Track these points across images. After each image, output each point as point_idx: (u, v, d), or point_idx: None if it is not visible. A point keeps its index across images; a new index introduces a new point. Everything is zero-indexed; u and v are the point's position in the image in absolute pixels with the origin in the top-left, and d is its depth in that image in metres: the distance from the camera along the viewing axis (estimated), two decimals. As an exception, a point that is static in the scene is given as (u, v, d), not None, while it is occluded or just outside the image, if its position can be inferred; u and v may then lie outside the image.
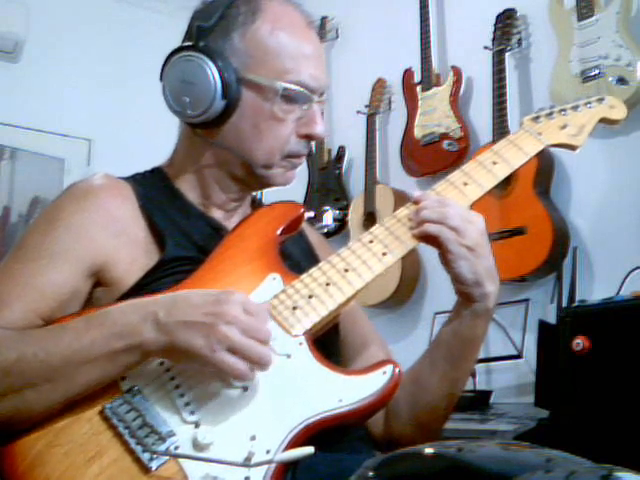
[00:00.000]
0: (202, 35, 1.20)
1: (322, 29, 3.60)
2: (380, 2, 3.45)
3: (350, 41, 3.60)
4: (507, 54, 2.73)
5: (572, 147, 1.31)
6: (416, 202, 1.17)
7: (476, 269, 1.12)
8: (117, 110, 3.66)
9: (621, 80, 2.39)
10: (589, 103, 1.34)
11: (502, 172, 1.22)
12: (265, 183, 1.26)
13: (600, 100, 1.35)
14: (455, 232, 1.12)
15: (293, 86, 1.19)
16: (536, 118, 1.31)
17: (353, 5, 3.60)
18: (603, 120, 1.34)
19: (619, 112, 1.35)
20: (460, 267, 1.12)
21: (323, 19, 3.61)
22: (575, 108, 1.33)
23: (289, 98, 1.19)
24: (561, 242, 2.53)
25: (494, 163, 1.23)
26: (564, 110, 1.32)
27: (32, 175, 3.67)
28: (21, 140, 3.62)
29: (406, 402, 1.22)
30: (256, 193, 1.38)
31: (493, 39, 2.76)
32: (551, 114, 1.31)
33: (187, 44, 1.22)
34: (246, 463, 0.96)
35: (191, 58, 1.19)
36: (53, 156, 3.71)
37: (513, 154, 1.24)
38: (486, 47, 2.76)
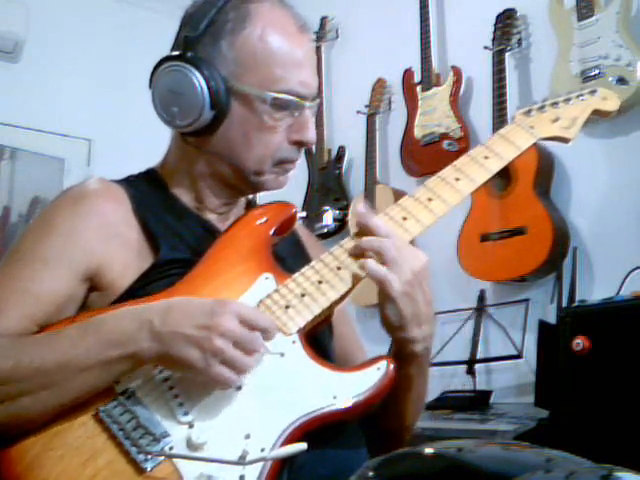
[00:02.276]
0: (190, 44, 1.19)
1: (322, 29, 3.60)
2: (380, 2, 3.45)
3: (350, 41, 3.60)
4: (507, 54, 2.73)
5: (564, 140, 1.29)
6: (358, 224, 1.14)
7: (401, 313, 1.08)
8: (117, 110, 3.67)
9: (621, 80, 2.39)
10: (581, 95, 1.32)
11: (494, 166, 1.21)
12: (257, 188, 1.26)
13: (592, 92, 1.33)
14: (391, 269, 1.08)
15: (283, 95, 1.17)
16: (528, 112, 1.30)
17: (353, 5, 3.60)
18: (596, 112, 1.32)
19: (611, 104, 1.33)
20: (386, 308, 1.09)
21: (323, 19, 3.61)
22: (567, 101, 1.32)
23: (279, 106, 1.18)
24: (561, 242, 2.53)
25: (486, 157, 1.22)
26: (556, 103, 1.31)
27: (32, 175, 3.67)
28: (21, 140, 3.62)
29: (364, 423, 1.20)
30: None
31: (493, 39, 2.76)
32: (543, 107, 1.30)
33: (174, 54, 1.20)
34: (240, 461, 0.96)
35: (178, 68, 1.18)
36: (53, 156, 3.71)
37: (505, 148, 1.23)
38: (486, 47, 2.76)
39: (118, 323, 1.03)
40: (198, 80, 1.17)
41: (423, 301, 1.10)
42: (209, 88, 1.16)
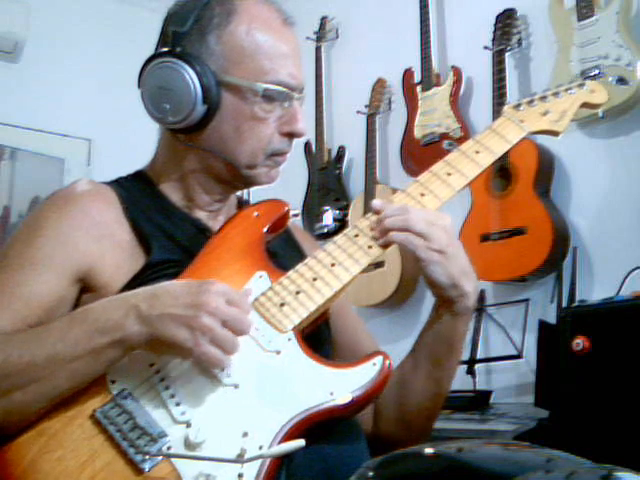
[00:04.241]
0: (178, 40, 1.20)
1: (322, 29, 3.60)
2: (380, 2, 3.45)
3: (350, 41, 3.60)
4: (507, 54, 2.73)
5: (554, 133, 1.29)
6: (376, 212, 1.16)
7: (449, 271, 1.11)
8: (117, 110, 3.66)
9: (621, 80, 2.39)
10: (570, 89, 1.33)
11: (485, 161, 1.22)
12: (250, 183, 1.26)
13: (581, 85, 1.34)
14: (422, 238, 1.11)
15: (273, 86, 1.19)
16: (517, 106, 1.30)
17: (353, 5, 3.60)
18: (585, 105, 1.34)
19: (600, 96, 1.34)
20: (433, 272, 1.11)
21: (323, 19, 3.61)
22: (556, 94, 1.32)
23: (269, 98, 1.19)
24: (561, 242, 2.53)
25: (477, 152, 1.22)
26: (545, 97, 1.32)
27: (32, 175, 3.67)
28: (21, 140, 3.62)
29: (393, 403, 1.23)
30: (242, 193, 1.38)
31: (493, 39, 2.76)
32: (532, 101, 1.31)
33: (164, 50, 1.21)
34: (238, 459, 0.96)
35: (169, 65, 1.19)
36: (53, 156, 3.71)
37: (495, 142, 1.24)
38: (486, 47, 2.76)
39: (105, 310, 1.03)
40: (189, 75, 1.17)
41: (463, 255, 1.14)
42: (201, 82, 1.17)
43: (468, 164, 1.21)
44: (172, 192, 1.26)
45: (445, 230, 1.13)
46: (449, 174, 1.19)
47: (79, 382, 1.02)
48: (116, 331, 1.00)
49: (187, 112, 1.18)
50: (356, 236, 1.15)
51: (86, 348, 1.01)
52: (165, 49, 1.21)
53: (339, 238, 1.15)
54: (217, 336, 0.99)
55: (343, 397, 1.03)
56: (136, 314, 1.00)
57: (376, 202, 1.17)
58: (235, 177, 1.24)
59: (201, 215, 1.27)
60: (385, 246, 1.14)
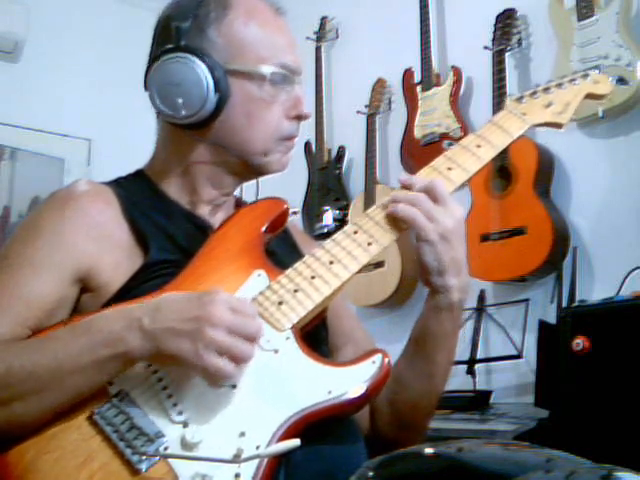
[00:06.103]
0: (179, 37, 1.21)
1: (322, 29, 3.60)
2: (380, 2, 3.45)
3: (350, 41, 3.60)
4: (507, 54, 2.73)
5: (558, 125, 1.28)
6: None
7: (441, 257, 1.12)
8: (117, 110, 3.66)
9: (621, 80, 2.38)
10: (573, 80, 1.31)
11: (487, 155, 1.21)
12: (262, 171, 1.27)
13: (585, 76, 1.33)
14: (428, 218, 1.12)
15: (278, 69, 1.21)
16: (520, 98, 1.29)
17: (353, 5, 3.60)
18: (589, 96, 1.32)
19: (604, 87, 1.33)
20: (425, 253, 1.12)
21: (323, 19, 3.61)
22: (559, 86, 1.31)
23: (275, 82, 1.22)
24: (561, 242, 2.53)
25: (478, 146, 1.21)
26: (548, 88, 1.30)
27: (32, 175, 3.67)
28: (21, 140, 3.62)
29: (387, 400, 1.22)
30: (240, 192, 1.38)
31: (493, 39, 2.76)
32: (535, 93, 1.30)
33: (168, 47, 1.22)
34: (235, 459, 0.96)
35: (178, 59, 1.19)
36: (53, 156, 3.72)
37: (497, 136, 1.23)
38: (486, 47, 2.76)
39: (107, 323, 1.02)
40: (199, 67, 1.19)
41: (462, 250, 1.14)
42: (211, 73, 1.19)
43: (469, 158, 1.20)
44: (174, 190, 1.26)
45: (454, 218, 1.13)
46: (450, 169, 1.19)
47: (81, 393, 1.01)
48: (118, 344, 1.00)
49: (200, 104, 1.18)
50: (355, 233, 1.14)
51: (88, 360, 1.00)
52: (170, 45, 1.22)
53: (338, 235, 1.14)
54: (223, 346, 0.98)
55: (339, 396, 1.02)
56: (138, 328, 1.00)
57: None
58: (247, 167, 1.25)
59: (203, 211, 1.26)
60: (396, 230, 1.14)
